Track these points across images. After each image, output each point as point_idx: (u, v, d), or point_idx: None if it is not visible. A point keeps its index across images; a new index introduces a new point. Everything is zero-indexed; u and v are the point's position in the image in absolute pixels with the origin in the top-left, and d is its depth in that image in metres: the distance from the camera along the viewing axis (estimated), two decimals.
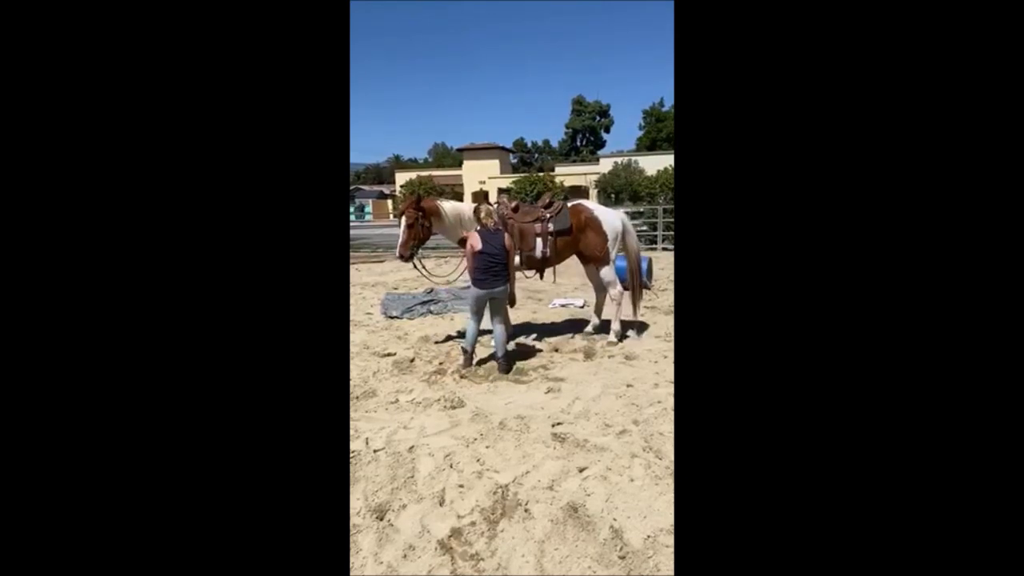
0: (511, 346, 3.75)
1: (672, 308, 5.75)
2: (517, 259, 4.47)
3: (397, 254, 4.34)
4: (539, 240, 4.46)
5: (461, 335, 4.49)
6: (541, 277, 4.85)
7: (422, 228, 4.31)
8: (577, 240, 4.55)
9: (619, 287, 4.68)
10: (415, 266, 4.51)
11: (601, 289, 4.85)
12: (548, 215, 4.50)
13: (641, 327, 4.87)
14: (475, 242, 3.77)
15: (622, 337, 4.62)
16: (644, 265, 7.04)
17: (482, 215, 3.97)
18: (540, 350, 4.30)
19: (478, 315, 3.83)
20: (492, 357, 3.98)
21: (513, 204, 4.65)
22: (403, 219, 4.31)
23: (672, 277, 7.55)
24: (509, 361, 3.81)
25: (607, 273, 4.60)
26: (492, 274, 3.78)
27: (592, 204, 4.94)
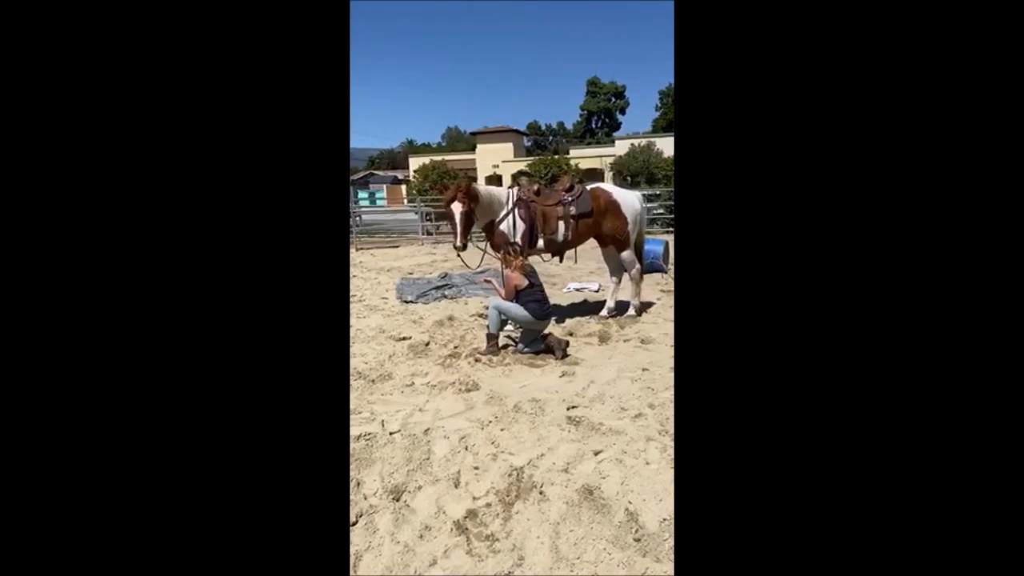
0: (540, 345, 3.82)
1: None
2: (540, 242, 4.47)
3: (457, 243, 4.22)
4: (561, 223, 4.44)
5: (480, 317, 4.51)
6: (560, 260, 4.85)
7: (472, 215, 4.25)
8: (598, 223, 4.54)
9: (638, 266, 4.70)
10: (483, 251, 4.48)
11: (617, 272, 4.82)
12: (570, 198, 4.47)
13: (645, 305, 5.03)
14: (519, 281, 3.81)
15: (640, 312, 4.74)
16: (661, 249, 7.00)
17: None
18: (554, 334, 4.29)
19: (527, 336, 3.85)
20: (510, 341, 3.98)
21: (535, 187, 4.62)
22: (455, 207, 4.19)
23: None
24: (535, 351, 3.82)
25: (627, 255, 4.61)
26: (548, 303, 3.91)
27: (610, 187, 4.91)
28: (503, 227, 4.39)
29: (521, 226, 4.37)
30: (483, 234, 4.67)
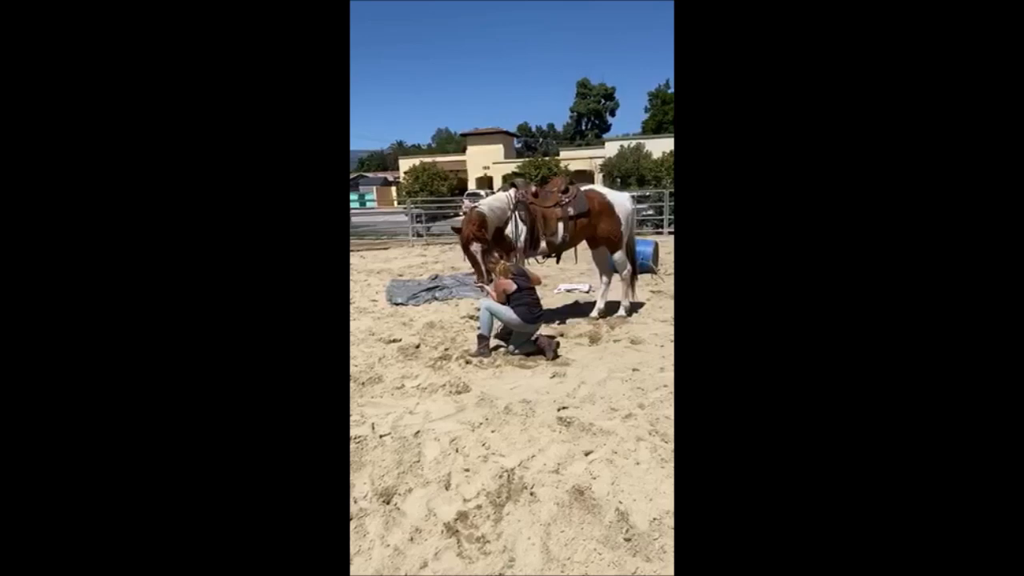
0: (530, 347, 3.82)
1: None
2: (543, 244, 4.47)
3: (485, 283, 4.13)
4: (560, 224, 4.44)
5: (472, 319, 4.50)
6: (557, 261, 4.87)
7: (489, 246, 4.18)
8: (594, 225, 4.55)
9: (630, 267, 4.74)
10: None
11: (607, 273, 4.84)
12: (566, 200, 4.47)
13: (635, 306, 5.04)
14: (508, 285, 3.78)
15: (630, 312, 4.77)
16: (650, 249, 7.04)
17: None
18: (545, 335, 4.30)
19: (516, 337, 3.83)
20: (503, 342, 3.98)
21: (533, 189, 4.60)
22: (475, 248, 4.11)
23: None
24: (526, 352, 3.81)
25: (619, 256, 4.63)
26: (538, 307, 3.85)
27: (603, 188, 4.95)
28: (507, 230, 4.36)
29: (523, 228, 4.35)
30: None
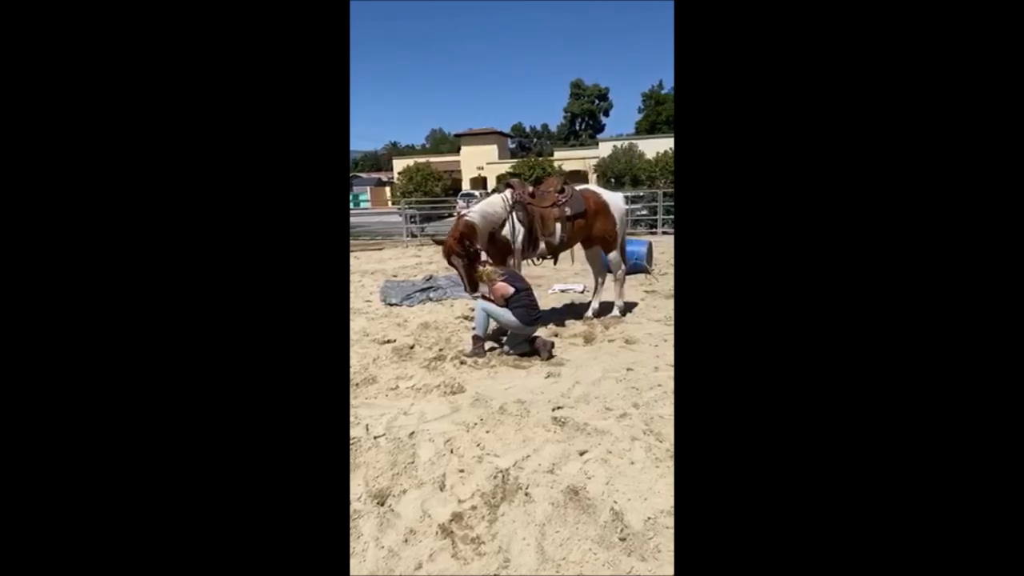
0: (525, 347, 3.82)
1: (672, 292, 5.77)
2: (542, 245, 4.45)
3: (471, 292, 4.16)
4: (558, 225, 4.42)
5: (466, 319, 4.49)
6: (555, 262, 4.86)
7: (475, 254, 4.17)
8: (590, 225, 4.55)
9: (623, 268, 4.75)
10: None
11: (601, 273, 4.85)
12: (563, 200, 4.46)
13: (629, 306, 5.06)
14: (505, 289, 3.78)
15: (624, 312, 4.77)
16: (644, 249, 7.06)
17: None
18: (540, 335, 4.30)
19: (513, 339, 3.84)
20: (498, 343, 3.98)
21: (530, 189, 4.58)
22: (457, 262, 4.13)
23: (672, 261, 7.54)
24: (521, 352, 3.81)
25: (614, 256, 4.64)
26: (536, 309, 3.86)
27: (598, 188, 4.94)
28: (504, 232, 4.32)
29: (521, 229, 4.31)
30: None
